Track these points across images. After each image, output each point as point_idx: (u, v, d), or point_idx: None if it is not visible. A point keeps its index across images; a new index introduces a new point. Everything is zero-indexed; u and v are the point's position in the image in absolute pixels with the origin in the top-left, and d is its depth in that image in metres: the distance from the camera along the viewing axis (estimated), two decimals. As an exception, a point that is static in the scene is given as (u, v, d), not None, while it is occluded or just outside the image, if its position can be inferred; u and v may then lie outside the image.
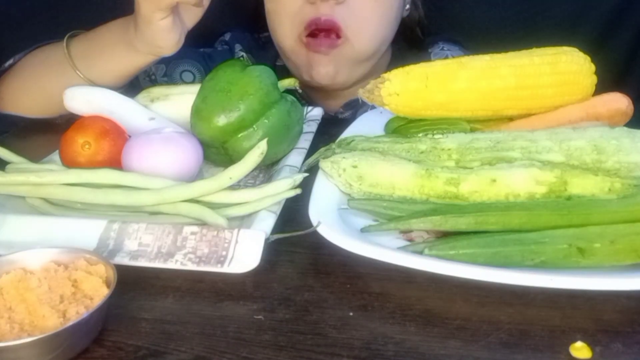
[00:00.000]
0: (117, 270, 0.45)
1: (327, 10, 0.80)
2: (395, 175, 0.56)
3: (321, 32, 0.82)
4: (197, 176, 0.63)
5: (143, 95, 0.73)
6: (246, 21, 1.03)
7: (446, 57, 0.73)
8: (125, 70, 0.76)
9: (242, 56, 0.98)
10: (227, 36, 1.01)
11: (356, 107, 0.91)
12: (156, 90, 0.74)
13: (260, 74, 0.63)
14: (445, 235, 0.52)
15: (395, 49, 0.94)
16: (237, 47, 0.99)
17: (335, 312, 0.46)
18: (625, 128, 0.58)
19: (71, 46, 0.77)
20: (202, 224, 0.54)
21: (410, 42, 0.98)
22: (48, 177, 0.57)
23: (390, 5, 0.85)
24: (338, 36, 0.82)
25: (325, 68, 0.84)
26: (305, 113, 0.74)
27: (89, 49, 0.77)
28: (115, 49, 0.75)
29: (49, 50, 0.82)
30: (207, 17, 0.72)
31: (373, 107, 0.72)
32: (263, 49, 1.00)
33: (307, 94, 0.94)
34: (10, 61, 0.85)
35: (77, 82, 0.75)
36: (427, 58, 0.94)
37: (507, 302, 0.46)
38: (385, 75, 0.63)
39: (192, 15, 0.73)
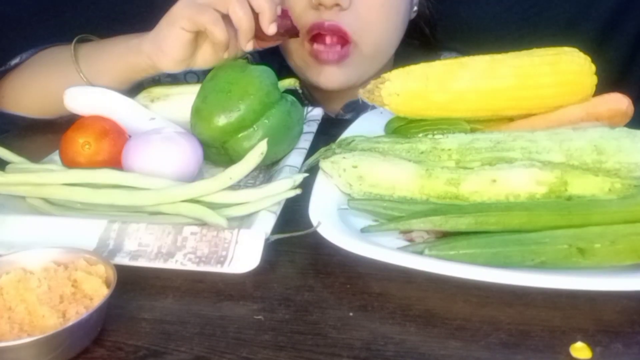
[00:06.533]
0: (117, 270, 0.45)
1: (331, 16, 0.79)
2: (396, 176, 0.56)
3: (325, 35, 0.80)
4: (197, 176, 0.63)
5: (143, 95, 0.74)
6: None
7: None
8: (119, 70, 0.75)
9: (247, 57, 0.98)
10: None
11: (357, 109, 0.91)
12: (156, 90, 0.74)
13: (261, 74, 0.63)
14: (445, 236, 0.52)
15: (401, 51, 0.94)
16: None
17: (335, 312, 0.46)
18: (625, 128, 0.58)
19: (79, 48, 0.78)
20: (202, 224, 0.54)
21: (419, 43, 0.97)
22: (48, 177, 0.57)
23: (397, 9, 0.84)
24: (346, 41, 0.80)
25: (334, 77, 0.83)
26: (305, 113, 0.74)
27: (94, 49, 0.78)
28: (117, 47, 0.75)
29: (57, 51, 0.82)
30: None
31: (374, 109, 0.72)
32: (272, 47, 0.99)
33: (309, 93, 0.94)
34: (17, 60, 0.85)
35: (79, 83, 0.75)
36: None
37: (507, 302, 0.46)
38: (386, 75, 0.63)
39: (207, 60, 0.72)
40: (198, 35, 0.69)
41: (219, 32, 0.65)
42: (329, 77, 0.83)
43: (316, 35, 0.81)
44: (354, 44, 0.81)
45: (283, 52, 0.89)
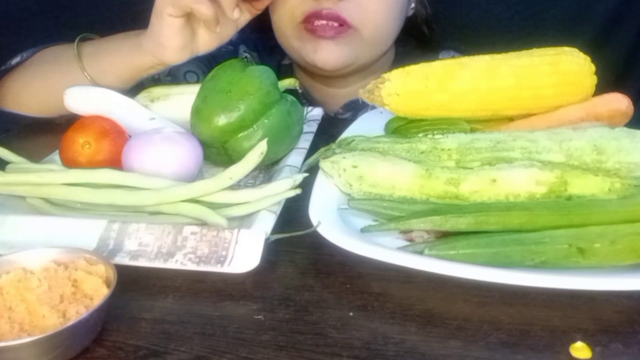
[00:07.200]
0: (117, 270, 0.45)
1: (330, 5, 0.78)
2: (396, 175, 0.56)
3: (322, 21, 0.79)
4: (197, 176, 0.63)
5: (143, 95, 0.74)
6: (256, 20, 1.02)
7: None
8: (126, 70, 0.76)
9: (246, 57, 0.98)
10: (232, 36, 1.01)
11: (356, 109, 0.91)
12: (156, 90, 0.74)
13: (261, 74, 0.63)
14: (445, 235, 0.52)
15: (400, 50, 0.94)
16: (242, 47, 0.99)
17: (335, 312, 0.46)
18: (625, 128, 0.58)
19: (82, 47, 0.78)
20: (202, 224, 0.54)
21: (417, 41, 0.97)
22: (48, 177, 0.57)
23: (395, 1, 0.84)
24: (345, 27, 0.80)
25: (331, 53, 0.82)
26: (305, 113, 0.74)
27: (97, 48, 0.78)
28: (121, 47, 0.76)
29: (58, 50, 0.83)
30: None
31: (373, 109, 0.71)
32: (271, 47, 0.99)
33: (309, 93, 0.94)
34: (18, 59, 0.85)
35: (82, 82, 0.75)
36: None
37: (507, 302, 0.46)
38: (386, 75, 0.63)
39: (208, 41, 0.73)
40: (191, 20, 0.70)
41: (204, 8, 0.66)
42: (326, 53, 0.82)
43: (311, 23, 0.80)
44: (353, 28, 0.80)
45: (278, 37, 0.88)
